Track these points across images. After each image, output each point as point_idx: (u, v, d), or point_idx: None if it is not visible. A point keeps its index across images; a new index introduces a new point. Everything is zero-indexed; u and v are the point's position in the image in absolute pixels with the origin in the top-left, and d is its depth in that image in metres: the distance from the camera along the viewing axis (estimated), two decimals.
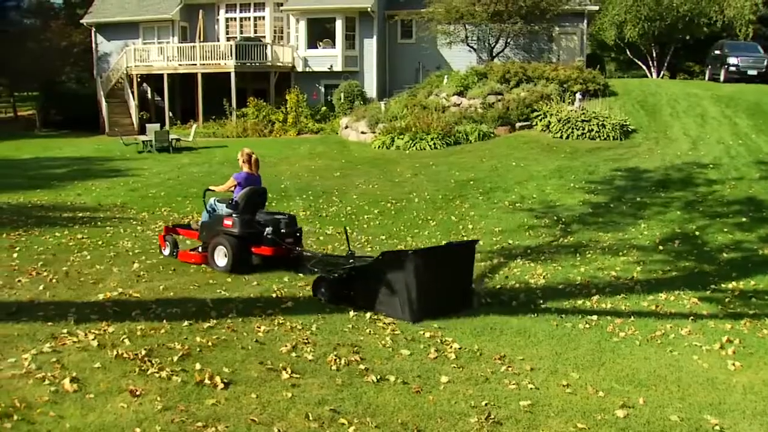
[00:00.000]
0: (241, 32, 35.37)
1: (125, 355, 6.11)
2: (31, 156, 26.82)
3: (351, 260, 9.06)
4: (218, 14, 35.71)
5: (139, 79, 35.00)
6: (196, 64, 32.82)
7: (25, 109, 47.19)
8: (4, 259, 10.24)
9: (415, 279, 7.89)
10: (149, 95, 36.52)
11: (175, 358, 6.10)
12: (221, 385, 5.57)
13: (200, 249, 10.65)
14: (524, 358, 6.74)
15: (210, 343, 6.56)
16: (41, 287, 8.55)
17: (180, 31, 35.96)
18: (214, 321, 7.25)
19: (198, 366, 5.93)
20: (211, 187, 11.18)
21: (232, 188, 10.59)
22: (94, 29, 37.97)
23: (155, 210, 16.01)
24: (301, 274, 9.76)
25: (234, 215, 10.11)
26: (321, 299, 8.58)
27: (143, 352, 6.17)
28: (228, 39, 34.63)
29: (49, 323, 7.04)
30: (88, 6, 40.04)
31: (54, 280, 8.97)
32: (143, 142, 26.95)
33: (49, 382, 5.49)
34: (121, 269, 9.74)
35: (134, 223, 14.18)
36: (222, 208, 10.44)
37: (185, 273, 9.64)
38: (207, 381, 5.63)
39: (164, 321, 7.17)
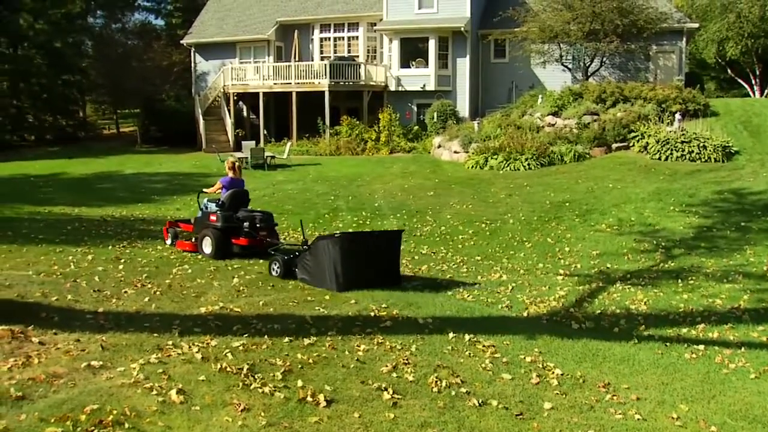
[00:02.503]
0: (335, 52, 35.88)
1: (228, 369, 6.19)
2: (133, 171, 27.81)
3: (304, 247, 10.71)
4: (313, 34, 36.35)
5: (235, 98, 35.86)
6: (290, 83, 33.43)
7: (127, 125, 49.09)
8: (110, 270, 10.60)
9: (341, 258, 9.80)
10: (245, 113, 37.39)
11: (278, 374, 6.15)
12: (323, 403, 5.58)
13: (193, 239, 12.78)
14: (629, 387, 6.53)
15: (311, 361, 6.59)
16: (146, 299, 8.80)
17: (275, 51, 36.75)
18: (314, 338, 7.28)
19: (300, 383, 5.96)
20: (204, 190, 13.64)
21: (220, 190, 12.69)
22: (193, 49, 39.20)
23: None
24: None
25: (218, 212, 12.26)
26: (274, 274, 10.61)
27: (246, 367, 6.24)
28: (322, 58, 35.18)
29: (155, 334, 7.21)
30: (188, 27, 41.44)
31: (158, 293, 9.21)
32: (239, 158, 27.52)
33: (157, 393, 5.62)
34: (221, 283, 9.93)
35: None
36: (211, 207, 12.53)
37: (284, 289, 9.75)
38: (309, 398, 5.65)
39: (265, 336, 7.25)
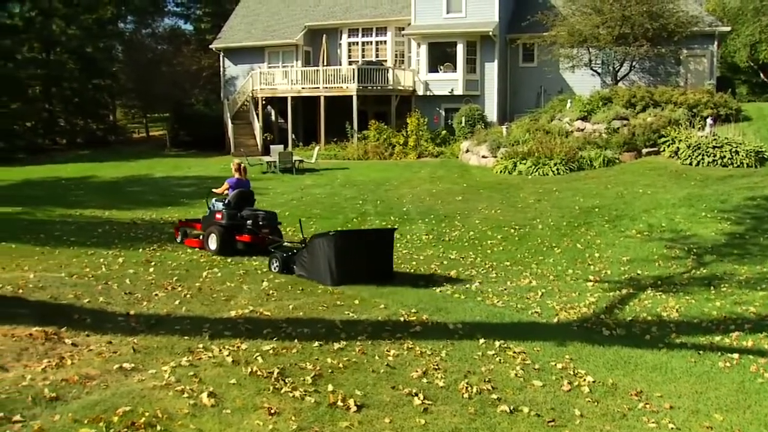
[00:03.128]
0: (363, 56, 35.96)
1: (259, 373, 6.21)
2: (163, 174, 28.04)
3: (302, 245, 11.42)
4: (341, 39, 36.45)
5: (263, 102, 36.03)
6: (319, 87, 33.52)
7: (156, 129, 49.54)
8: (141, 273, 10.70)
9: (335, 254, 10.49)
10: (273, 117, 37.55)
11: (308, 379, 6.15)
12: (354, 408, 5.57)
13: (201, 237, 13.56)
14: (662, 395, 6.44)
15: (341, 365, 6.59)
16: (177, 302, 8.86)
17: (303, 56, 36.89)
18: (344, 342, 7.28)
19: (330, 387, 5.96)
20: (213, 190, 14.37)
21: (227, 190, 13.44)
22: (222, 54, 39.45)
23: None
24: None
25: (223, 210, 13.05)
26: (273, 270, 11.30)
27: (276, 371, 6.25)
28: (350, 63, 35.26)
29: (185, 337, 7.25)
30: (216, 32, 41.73)
31: (188, 295, 9.27)
32: (267, 162, 27.70)
33: (188, 395, 5.65)
34: (251, 287, 9.97)
35: None
36: (218, 206, 13.29)
37: (313, 293, 9.76)
38: (340, 403, 5.64)
39: (295, 341, 7.26)
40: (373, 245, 11.35)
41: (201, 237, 13.57)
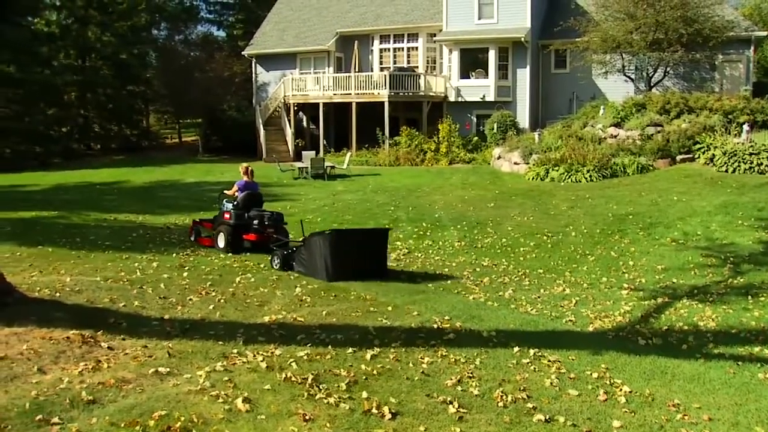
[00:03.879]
0: (395, 62, 35.98)
1: (293, 379, 6.21)
2: (195, 179, 28.28)
3: (302, 243, 12.06)
4: (372, 45, 36.52)
5: (295, 108, 36.19)
6: (350, 94, 33.61)
7: (189, 135, 49.99)
8: (175, 278, 10.77)
9: (330, 252, 11.18)
10: (304, 123, 37.71)
11: (342, 385, 6.14)
12: (388, 416, 5.54)
13: (211, 235, 14.59)
14: (701, 407, 6.33)
15: (375, 372, 6.57)
16: (211, 307, 8.90)
17: (335, 62, 37.01)
18: (378, 349, 7.26)
19: (365, 394, 5.94)
20: (224, 191, 15.21)
21: (236, 192, 14.34)
22: (254, 60, 39.75)
23: None
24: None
25: (232, 210, 14.01)
26: (274, 267, 12.08)
27: (310, 377, 6.25)
28: (382, 69, 35.29)
29: (220, 342, 7.28)
30: (249, 38, 42.06)
31: (222, 300, 9.31)
32: (299, 168, 27.82)
33: (223, 401, 5.67)
34: (284, 293, 9.99)
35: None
36: (227, 206, 14.22)
37: (345, 299, 9.76)
38: (374, 410, 5.62)
39: (329, 347, 7.25)
40: (366, 244, 12.14)
41: (211, 236, 14.56)
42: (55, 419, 5.15)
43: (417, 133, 32.17)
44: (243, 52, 40.73)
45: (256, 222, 13.83)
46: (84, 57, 44.10)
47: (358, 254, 11.65)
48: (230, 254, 13.51)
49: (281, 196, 22.48)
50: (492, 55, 32.30)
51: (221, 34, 58.77)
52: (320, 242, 11.35)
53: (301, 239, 12.32)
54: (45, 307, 8.38)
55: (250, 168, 14.74)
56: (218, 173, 30.13)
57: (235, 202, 14.16)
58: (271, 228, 13.79)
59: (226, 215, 14.14)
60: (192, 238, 15.18)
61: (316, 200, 21.76)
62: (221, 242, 14.01)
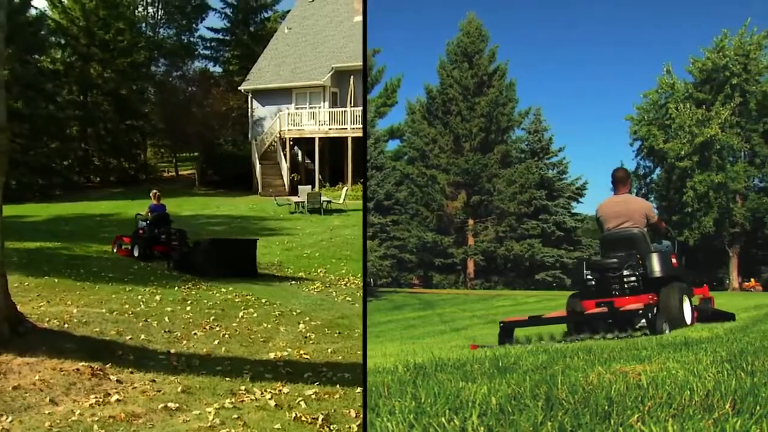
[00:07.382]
0: None
1: (303, 419, 6.17)
2: (191, 213, 28.33)
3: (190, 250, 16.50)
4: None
5: (291, 142, 36.40)
6: (346, 128, 33.83)
7: (185, 168, 50.10)
8: (178, 312, 10.84)
9: (206, 257, 15.31)
10: (300, 157, 37.88)
11: (353, 426, 6.14)
12: None
13: (128, 247, 17.89)
14: None
15: None
16: (215, 342, 8.94)
17: (331, 97, 37.24)
18: None
19: None
20: (139, 213, 18.49)
21: (148, 213, 17.83)
22: (250, 95, 39.98)
23: (311, 270, 16.42)
24: None
25: (144, 227, 17.62)
26: (171, 267, 15.89)
27: (321, 417, 6.22)
28: None
29: (227, 378, 7.29)
30: (245, 74, 42.36)
31: (226, 335, 9.35)
32: (296, 203, 27.92)
33: None
34: (288, 329, 10.01)
35: (293, 283, 14.66)
36: (141, 224, 17.82)
37: (350, 337, 9.79)
38: None
39: (337, 386, 7.22)
40: (237, 251, 15.94)
41: (129, 248, 17.84)
42: None
43: None
44: (239, 87, 41.02)
45: (163, 237, 17.37)
46: (86, 93, 44.90)
47: (231, 258, 15.42)
48: (231, 288, 13.51)
49: (278, 231, 22.58)
50: None
51: (218, 69, 59.14)
52: (200, 247, 15.93)
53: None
54: (55, 337, 8.45)
55: (158, 193, 18.64)
56: (214, 207, 30.24)
57: (147, 221, 17.66)
58: (176, 242, 17.32)
59: (140, 231, 17.72)
60: (114, 250, 18.29)
61: (313, 235, 21.84)
62: (136, 252, 17.47)
